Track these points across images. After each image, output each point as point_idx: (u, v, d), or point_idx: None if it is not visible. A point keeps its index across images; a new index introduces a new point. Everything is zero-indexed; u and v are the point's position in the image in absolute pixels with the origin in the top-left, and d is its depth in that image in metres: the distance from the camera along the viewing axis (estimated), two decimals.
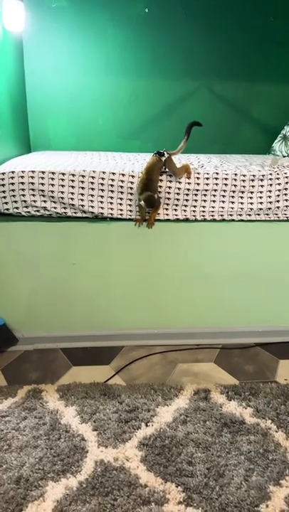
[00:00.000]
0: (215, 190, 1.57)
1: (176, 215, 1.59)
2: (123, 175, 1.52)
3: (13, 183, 1.51)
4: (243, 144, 2.45)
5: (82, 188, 1.52)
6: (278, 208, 1.60)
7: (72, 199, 1.52)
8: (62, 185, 1.52)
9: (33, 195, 1.51)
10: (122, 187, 1.53)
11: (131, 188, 1.53)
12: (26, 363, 1.62)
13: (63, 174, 1.52)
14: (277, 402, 1.36)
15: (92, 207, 1.54)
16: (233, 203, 1.59)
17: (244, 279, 1.70)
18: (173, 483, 1.09)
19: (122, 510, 1.02)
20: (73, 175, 1.51)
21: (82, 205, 1.53)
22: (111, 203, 1.54)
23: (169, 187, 1.56)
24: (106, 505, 1.04)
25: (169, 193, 1.56)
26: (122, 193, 1.53)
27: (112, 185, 1.52)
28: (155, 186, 1.47)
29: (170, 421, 1.31)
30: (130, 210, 1.56)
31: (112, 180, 1.52)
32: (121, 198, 1.53)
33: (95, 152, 2.18)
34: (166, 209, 1.59)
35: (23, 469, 1.13)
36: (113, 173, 1.52)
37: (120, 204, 1.54)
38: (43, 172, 1.51)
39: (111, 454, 1.19)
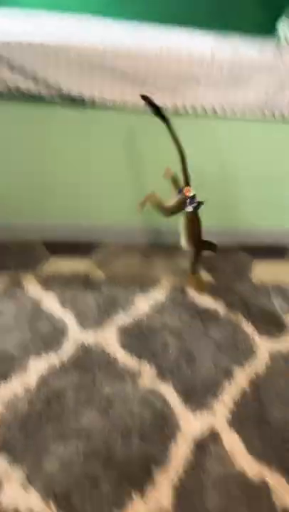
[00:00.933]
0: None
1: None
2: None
3: None
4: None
5: (58, 63, 1.30)
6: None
7: (48, 76, 1.32)
8: (37, 60, 1.29)
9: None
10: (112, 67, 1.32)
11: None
12: (4, 253, 1.60)
13: (41, 45, 1.28)
14: (248, 298, 1.45)
15: (70, 87, 1.34)
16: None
17: (226, 179, 1.64)
18: (147, 363, 1.20)
19: (101, 385, 1.13)
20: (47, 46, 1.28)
21: (59, 85, 1.33)
22: (98, 84, 1.35)
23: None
24: (87, 381, 1.14)
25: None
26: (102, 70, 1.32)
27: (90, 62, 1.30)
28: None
29: (147, 310, 1.38)
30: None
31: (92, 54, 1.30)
32: (105, 78, 1.34)
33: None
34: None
35: (6, 348, 1.20)
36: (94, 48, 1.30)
37: (104, 86, 1.36)
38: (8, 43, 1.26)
39: (92, 337, 1.27)
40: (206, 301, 1.43)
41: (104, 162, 1.57)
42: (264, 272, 1.61)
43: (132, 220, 1.73)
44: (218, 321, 1.34)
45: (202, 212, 1.61)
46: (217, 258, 1.67)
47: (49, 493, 0.89)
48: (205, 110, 1.46)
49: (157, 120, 1.29)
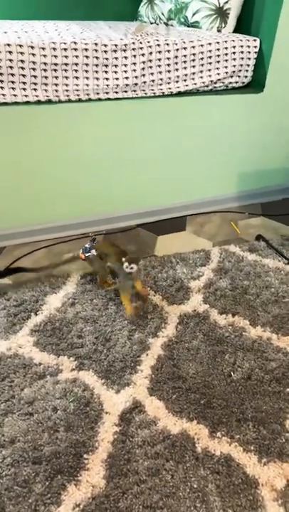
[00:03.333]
0: (76, 65, 1.41)
1: (36, 95, 1.42)
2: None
3: None
4: (109, 9, 2.18)
5: None
6: (144, 83, 1.53)
7: None
8: None
9: None
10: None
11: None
12: None
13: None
14: (154, 271, 1.50)
15: None
16: (97, 79, 1.46)
17: (121, 163, 1.69)
18: (65, 356, 1.19)
19: (19, 389, 1.10)
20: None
21: None
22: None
23: (22, 60, 1.34)
24: (4, 388, 1.10)
25: (23, 68, 1.35)
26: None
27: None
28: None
29: (59, 306, 1.37)
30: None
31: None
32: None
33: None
34: (24, 89, 1.40)
35: None
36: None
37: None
38: None
39: (3, 345, 1.23)
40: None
41: None
42: (167, 245, 1.69)
43: (33, 218, 1.69)
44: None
45: (102, 199, 1.63)
46: (123, 239, 1.71)
47: None
48: (79, 97, 1.48)
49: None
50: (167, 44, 1.52)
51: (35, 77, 1.38)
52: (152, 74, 1.54)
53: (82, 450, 0.96)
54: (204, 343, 1.22)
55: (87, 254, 1.33)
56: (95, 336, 1.25)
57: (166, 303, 1.37)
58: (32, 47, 1.33)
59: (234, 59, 1.66)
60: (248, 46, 1.67)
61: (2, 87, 1.37)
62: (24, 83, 1.38)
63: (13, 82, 1.37)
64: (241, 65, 1.69)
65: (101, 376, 1.13)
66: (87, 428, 1.00)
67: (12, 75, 1.35)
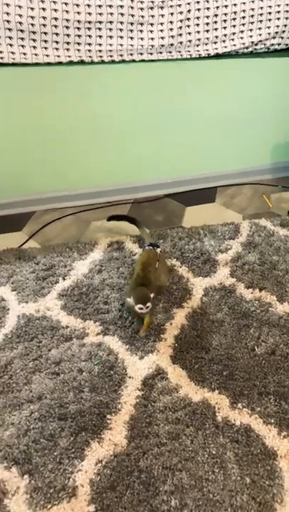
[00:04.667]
0: (110, 23, 1.35)
1: (68, 56, 1.37)
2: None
3: None
4: None
5: None
6: (181, 43, 1.45)
7: None
8: None
9: None
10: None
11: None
12: None
13: None
14: (181, 243, 1.49)
15: None
16: (132, 38, 1.40)
17: (151, 130, 1.64)
18: (91, 320, 1.22)
19: (47, 349, 1.14)
20: None
21: None
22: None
23: (55, 18, 1.30)
24: (32, 348, 1.15)
25: (56, 26, 1.31)
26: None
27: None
28: (153, 285, 1.17)
29: (86, 272, 1.39)
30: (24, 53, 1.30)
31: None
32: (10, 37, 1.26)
33: None
34: (57, 48, 1.36)
35: None
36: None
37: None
38: None
39: (32, 308, 1.27)
40: None
41: (23, 128, 1.50)
42: (195, 216, 1.66)
43: (61, 185, 1.70)
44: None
45: (130, 166, 1.61)
46: (150, 210, 1.70)
47: (10, 460, 0.91)
48: (112, 58, 1.43)
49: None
50: (207, 1, 1.42)
51: (68, 35, 1.34)
52: (189, 34, 1.45)
53: (105, 411, 0.99)
54: (229, 316, 1.22)
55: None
56: (120, 303, 1.27)
57: (192, 275, 1.36)
58: (66, 3, 1.28)
59: (278, 18, 1.54)
60: None
61: (35, 47, 1.33)
62: (57, 42, 1.34)
63: (45, 42, 1.33)
64: (285, 26, 1.57)
65: (125, 342, 1.15)
66: (110, 390, 1.03)
67: (45, 33, 1.31)
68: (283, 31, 1.57)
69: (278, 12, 1.52)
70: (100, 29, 1.35)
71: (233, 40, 1.52)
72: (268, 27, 1.54)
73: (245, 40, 1.54)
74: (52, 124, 1.53)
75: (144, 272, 1.18)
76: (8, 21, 1.22)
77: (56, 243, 1.54)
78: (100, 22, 1.34)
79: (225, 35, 1.49)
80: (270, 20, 1.52)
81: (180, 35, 1.44)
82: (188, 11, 1.39)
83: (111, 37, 1.38)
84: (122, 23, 1.36)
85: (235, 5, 1.44)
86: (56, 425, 0.96)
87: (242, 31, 1.52)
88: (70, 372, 1.07)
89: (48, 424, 0.97)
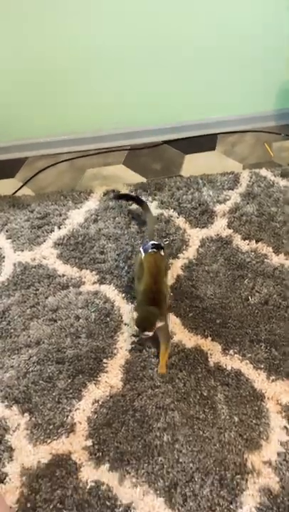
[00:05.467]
0: None
1: None
2: None
3: None
4: None
5: None
6: None
7: None
8: None
9: None
10: None
11: None
12: None
13: None
14: (179, 193, 1.46)
15: None
16: None
17: (150, 69, 1.54)
18: (87, 269, 1.23)
19: (44, 297, 1.16)
20: None
21: None
22: None
23: None
24: (29, 295, 1.16)
25: None
26: None
27: None
28: (164, 299, 1.01)
29: (82, 221, 1.37)
30: None
31: None
32: None
33: None
34: None
35: None
36: None
37: None
38: None
39: (28, 256, 1.27)
40: None
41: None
42: (194, 165, 1.60)
43: (55, 129, 1.62)
44: None
45: (127, 110, 1.52)
46: (148, 157, 1.64)
47: (10, 399, 0.96)
48: None
49: None
50: None
51: None
52: None
53: (102, 355, 1.03)
54: (224, 267, 1.22)
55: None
56: (116, 253, 1.27)
57: (189, 225, 1.35)
58: None
59: None
60: None
61: None
62: None
63: None
64: None
65: (121, 291, 1.16)
66: (107, 336, 1.06)
67: None
68: None
69: None
70: None
71: None
72: None
73: None
74: (46, 65, 1.42)
75: (156, 283, 0.99)
76: None
77: (50, 191, 1.50)
78: None
79: None
80: None
81: None
82: None
83: None
84: None
85: None
86: (54, 368, 1.00)
87: None
88: (67, 319, 1.09)
89: (46, 367, 1.00)
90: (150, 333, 0.92)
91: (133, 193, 1.36)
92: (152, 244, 1.08)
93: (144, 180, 1.54)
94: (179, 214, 1.38)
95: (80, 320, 1.09)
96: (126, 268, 1.22)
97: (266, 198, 1.42)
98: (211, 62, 1.58)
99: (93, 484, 0.82)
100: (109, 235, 1.32)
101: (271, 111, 1.78)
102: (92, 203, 1.43)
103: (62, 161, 1.64)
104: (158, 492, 0.80)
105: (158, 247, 1.08)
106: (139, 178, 1.56)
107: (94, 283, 1.19)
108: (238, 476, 0.82)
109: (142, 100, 1.62)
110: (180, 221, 1.36)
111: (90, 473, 0.83)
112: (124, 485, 0.81)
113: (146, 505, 0.79)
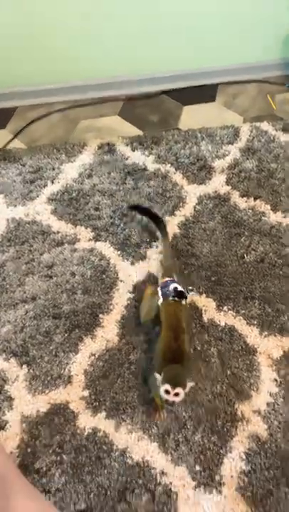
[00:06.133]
0: None
1: None
2: None
3: None
4: None
5: None
6: None
7: None
8: None
9: None
10: None
11: None
12: None
13: None
14: (177, 147, 1.40)
15: None
16: None
17: (143, 15, 1.42)
18: (82, 226, 1.21)
19: (39, 253, 1.14)
20: None
21: None
22: None
23: None
24: (24, 252, 1.15)
25: None
26: None
27: None
28: (187, 359, 0.86)
29: (76, 176, 1.33)
30: None
31: None
32: None
33: None
34: None
35: None
36: None
37: None
38: None
39: (21, 211, 1.24)
40: (135, 156, 1.38)
41: None
42: (193, 117, 1.54)
43: (47, 76, 1.52)
44: (148, 176, 1.33)
45: (124, 57, 1.43)
46: (145, 108, 1.56)
47: (8, 352, 0.97)
48: None
49: None
50: None
51: None
52: None
53: (98, 311, 1.04)
54: (221, 224, 1.21)
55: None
56: (112, 210, 1.24)
57: (187, 182, 1.32)
58: None
59: None
60: None
61: None
62: None
63: None
64: None
65: (117, 248, 1.15)
66: (103, 293, 1.07)
67: None
68: None
69: None
70: None
71: None
72: None
73: None
74: (39, 7, 1.30)
75: (176, 340, 0.84)
76: None
77: (43, 144, 1.44)
78: None
79: None
80: None
81: None
82: None
83: None
84: None
85: None
86: (51, 323, 1.01)
87: None
88: (62, 276, 1.09)
89: (42, 322, 1.01)
90: (182, 391, 0.76)
91: (149, 208, 1.18)
92: (175, 291, 0.90)
93: (140, 133, 1.48)
94: (176, 169, 1.34)
95: (76, 277, 1.09)
96: (121, 225, 1.20)
97: (266, 154, 1.38)
98: (211, 5, 1.46)
99: (90, 431, 0.85)
100: (104, 190, 1.29)
101: (276, 59, 1.68)
102: (86, 157, 1.38)
103: (54, 112, 1.56)
104: (152, 438, 0.84)
105: (181, 294, 0.91)
106: (135, 131, 1.49)
107: (89, 240, 1.17)
108: (229, 424, 0.86)
109: (138, 46, 1.51)
110: (177, 177, 1.32)
111: (87, 421, 0.87)
112: (120, 431, 0.85)
113: (140, 450, 0.83)
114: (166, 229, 1.12)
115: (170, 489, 0.79)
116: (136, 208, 1.20)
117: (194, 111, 1.57)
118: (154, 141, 1.42)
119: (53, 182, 1.30)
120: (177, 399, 0.77)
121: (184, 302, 0.92)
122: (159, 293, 0.92)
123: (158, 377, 0.79)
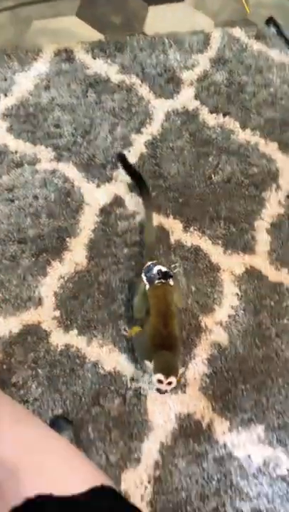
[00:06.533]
0: None
1: None
2: None
3: None
4: None
5: None
6: None
7: None
8: None
9: None
10: None
11: None
12: None
13: None
14: (142, 55, 1.29)
15: None
16: None
17: None
18: (42, 145, 1.13)
19: None
20: None
21: None
22: None
23: None
24: None
25: None
26: None
27: None
28: (178, 344, 0.81)
29: (31, 88, 1.20)
30: None
31: None
32: None
33: None
34: None
35: None
36: None
37: None
38: None
39: None
40: (96, 65, 1.25)
41: None
42: (159, 20, 1.38)
43: None
44: (112, 89, 1.22)
45: None
46: (106, 8, 1.38)
47: None
48: None
49: None
50: None
51: None
52: None
53: (64, 235, 1.02)
54: (189, 143, 1.17)
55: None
56: (73, 127, 1.16)
57: (154, 95, 1.23)
58: None
59: None
60: None
61: None
62: None
63: None
64: None
65: (81, 169, 1.10)
66: (68, 216, 1.04)
67: None
68: None
69: None
70: None
71: None
72: None
73: None
74: None
75: (166, 326, 0.81)
76: None
77: None
78: None
79: None
80: None
81: None
82: None
83: None
84: None
85: None
86: (17, 248, 0.99)
87: None
88: (25, 199, 1.05)
89: (8, 247, 0.99)
90: (175, 379, 0.76)
91: (134, 166, 1.05)
92: (159, 272, 0.85)
93: (101, 36, 1.33)
94: (142, 81, 1.24)
95: (39, 200, 1.05)
96: (84, 144, 1.14)
97: (237, 65, 1.29)
98: None
99: (63, 347, 0.90)
100: (63, 105, 1.18)
101: None
102: (41, 66, 1.24)
103: (2, 10, 1.35)
104: (122, 350, 0.90)
105: (166, 275, 0.86)
106: (96, 35, 1.34)
107: (51, 160, 1.11)
108: (193, 334, 0.93)
109: None
110: (143, 90, 1.23)
111: (59, 339, 0.91)
112: (92, 346, 0.90)
113: (111, 361, 0.89)
114: (150, 196, 1.00)
115: (140, 393, 0.87)
116: (122, 160, 1.05)
117: (161, 12, 1.41)
118: (117, 47, 1.29)
119: (6, 95, 1.18)
120: (170, 387, 0.76)
121: (171, 282, 0.86)
122: (144, 279, 0.86)
123: (149, 364, 0.78)
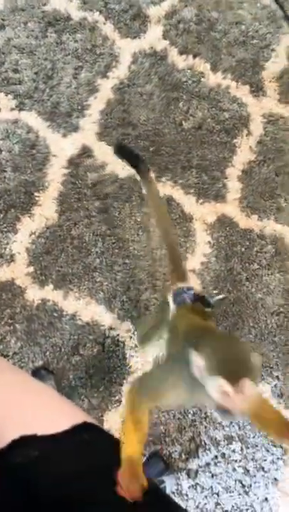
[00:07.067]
0: None
1: None
2: None
3: None
4: None
5: None
6: None
7: None
8: None
9: None
10: None
11: None
12: None
13: None
14: None
15: None
16: None
17: None
18: (1, 92, 1.06)
19: None
20: None
21: None
22: None
23: None
24: None
25: None
26: None
27: None
28: None
29: None
30: None
31: None
32: None
33: None
34: None
35: None
36: None
37: None
38: None
39: None
40: (55, 1, 1.14)
41: None
42: None
43: None
44: (74, 27, 1.13)
45: None
46: None
47: None
48: None
49: None
50: None
51: None
52: None
53: (32, 189, 0.99)
54: (159, 88, 1.12)
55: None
56: (34, 72, 1.08)
57: (119, 35, 1.15)
58: None
59: None
60: None
61: None
62: None
63: None
64: None
65: (45, 118, 1.05)
66: (35, 170, 1.00)
67: None
68: None
69: None
70: None
71: None
72: None
73: None
74: None
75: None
76: None
77: None
78: None
79: None
80: None
81: None
82: None
83: None
84: None
85: None
86: None
87: None
88: None
89: None
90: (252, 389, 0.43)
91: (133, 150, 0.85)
92: (194, 296, 0.61)
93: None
94: (106, 19, 1.15)
95: (3, 153, 1.00)
96: (47, 91, 1.07)
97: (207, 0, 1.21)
98: None
99: (40, 302, 0.90)
100: (21, 46, 1.09)
101: None
102: None
103: None
104: (99, 302, 0.92)
105: (204, 301, 0.62)
106: None
107: (12, 109, 1.04)
108: (168, 283, 0.95)
109: None
110: (108, 29, 1.15)
111: (35, 294, 0.91)
112: (69, 299, 0.91)
113: (89, 312, 0.91)
114: (151, 178, 0.75)
115: (118, 340, 0.90)
116: (120, 149, 0.86)
117: None
118: None
119: None
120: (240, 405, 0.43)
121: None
122: (170, 301, 0.64)
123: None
